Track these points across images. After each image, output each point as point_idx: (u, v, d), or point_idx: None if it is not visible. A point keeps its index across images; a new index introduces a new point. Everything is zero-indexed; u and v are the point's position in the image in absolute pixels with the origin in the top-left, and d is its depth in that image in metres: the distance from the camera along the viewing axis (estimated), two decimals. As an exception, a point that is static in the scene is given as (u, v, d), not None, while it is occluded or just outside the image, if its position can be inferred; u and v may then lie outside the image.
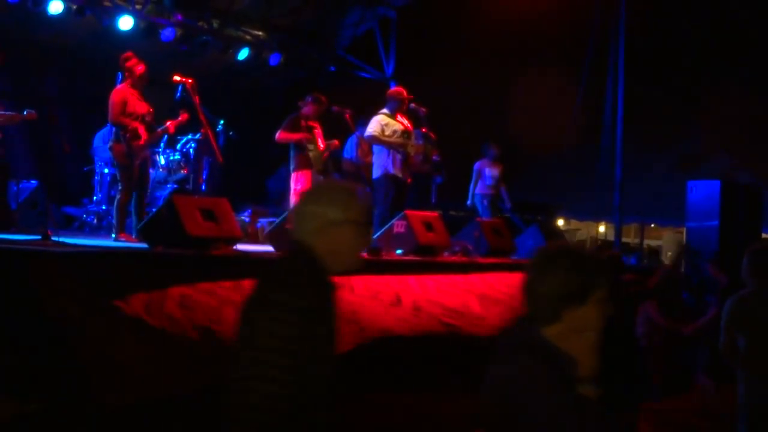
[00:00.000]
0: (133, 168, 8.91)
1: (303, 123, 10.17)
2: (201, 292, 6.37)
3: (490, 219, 12.21)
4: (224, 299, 6.47)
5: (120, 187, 9.03)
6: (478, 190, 13.69)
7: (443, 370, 8.23)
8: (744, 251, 5.78)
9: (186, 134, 11.41)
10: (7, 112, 9.23)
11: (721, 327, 5.66)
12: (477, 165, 13.76)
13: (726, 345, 5.62)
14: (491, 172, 13.64)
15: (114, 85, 10.12)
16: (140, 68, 9.03)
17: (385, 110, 10.52)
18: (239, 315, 2.88)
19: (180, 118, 9.44)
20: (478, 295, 9.07)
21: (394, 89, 11.10)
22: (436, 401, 7.91)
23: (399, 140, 10.34)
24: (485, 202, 13.60)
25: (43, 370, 5.40)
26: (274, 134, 10.21)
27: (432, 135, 11.00)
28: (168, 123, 9.38)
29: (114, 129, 9.03)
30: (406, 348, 7.75)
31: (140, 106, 8.99)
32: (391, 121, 10.39)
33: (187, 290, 6.26)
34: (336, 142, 10.62)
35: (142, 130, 8.90)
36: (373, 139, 10.43)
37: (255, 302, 2.85)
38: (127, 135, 8.85)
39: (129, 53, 9.15)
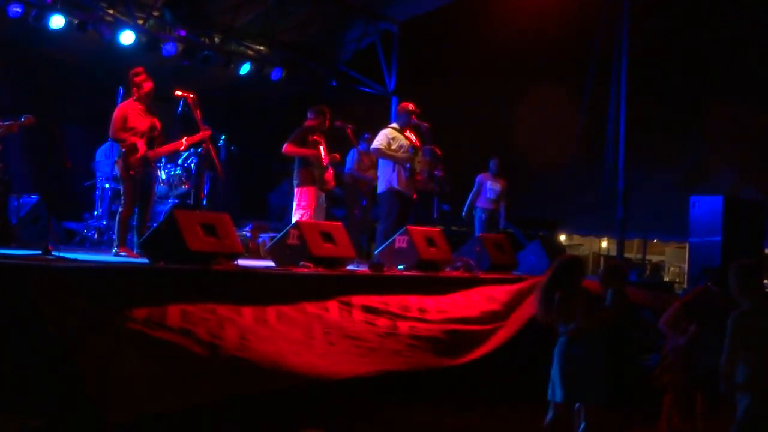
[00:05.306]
0: (135, 183, 8.87)
1: (310, 138, 10.04)
2: (201, 309, 6.32)
3: (491, 234, 12.15)
4: (224, 318, 6.43)
5: (123, 202, 8.97)
6: (478, 203, 13.63)
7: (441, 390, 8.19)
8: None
9: (187, 149, 11.35)
10: (5, 122, 9.16)
11: (725, 345, 5.58)
12: (479, 178, 13.71)
13: (728, 363, 5.54)
14: (493, 185, 13.59)
15: (115, 99, 10.06)
16: (147, 85, 8.98)
17: (394, 124, 10.48)
18: None
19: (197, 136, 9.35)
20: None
21: (404, 104, 10.95)
22: (439, 417, 7.88)
23: (404, 155, 10.27)
24: (483, 216, 13.52)
25: (46, 386, 5.36)
26: (280, 147, 10.07)
27: (437, 150, 10.94)
28: (185, 138, 9.29)
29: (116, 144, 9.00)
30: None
31: (141, 122, 8.93)
32: (399, 136, 10.34)
33: (187, 307, 6.22)
34: (337, 155, 10.51)
35: (140, 145, 8.83)
36: (379, 153, 10.37)
37: None
38: (123, 149, 8.82)
39: (140, 69, 9.08)
